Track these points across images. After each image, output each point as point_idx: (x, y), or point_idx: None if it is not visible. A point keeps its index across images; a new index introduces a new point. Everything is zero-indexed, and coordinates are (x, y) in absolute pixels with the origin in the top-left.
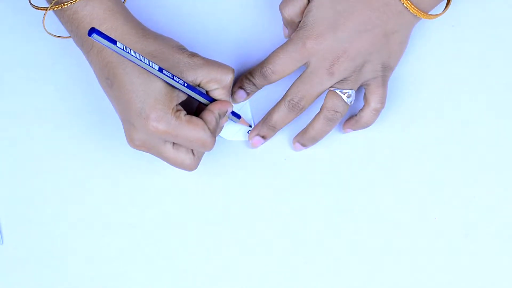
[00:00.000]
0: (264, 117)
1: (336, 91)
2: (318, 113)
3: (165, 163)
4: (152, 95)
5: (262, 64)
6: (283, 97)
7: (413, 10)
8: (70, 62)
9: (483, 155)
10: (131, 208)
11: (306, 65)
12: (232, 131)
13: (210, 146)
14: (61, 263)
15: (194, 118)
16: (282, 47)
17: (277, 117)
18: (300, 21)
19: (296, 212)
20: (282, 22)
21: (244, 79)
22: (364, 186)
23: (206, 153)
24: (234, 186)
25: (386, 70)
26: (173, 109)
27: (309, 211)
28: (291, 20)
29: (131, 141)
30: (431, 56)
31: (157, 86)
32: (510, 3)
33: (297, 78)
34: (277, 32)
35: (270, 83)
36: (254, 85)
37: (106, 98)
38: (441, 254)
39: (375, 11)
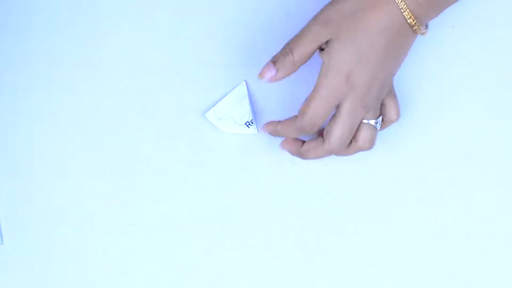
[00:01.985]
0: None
1: (369, 122)
2: (349, 145)
3: (164, 163)
4: None
5: (299, 118)
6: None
7: (418, 31)
8: (70, 62)
9: (483, 155)
10: (131, 208)
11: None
12: (230, 123)
13: None
14: (61, 263)
15: None
16: (314, 95)
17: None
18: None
19: (296, 212)
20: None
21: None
22: (364, 186)
23: (206, 152)
24: (234, 186)
25: (392, 80)
26: None
27: (309, 211)
28: (300, 61)
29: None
30: (431, 56)
31: None
32: (510, 3)
33: (334, 121)
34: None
35: (312, 134)
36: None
37: (107, 98)
38: (441, 254)
39: (390, 39)
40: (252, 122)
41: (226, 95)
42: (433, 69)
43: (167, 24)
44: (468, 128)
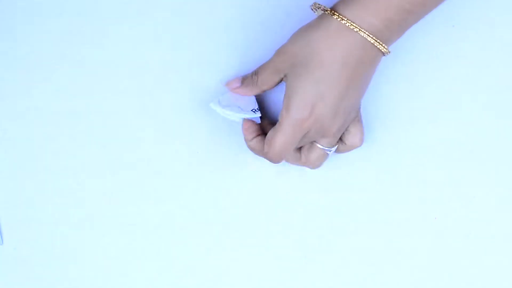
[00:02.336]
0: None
1: (325, 149)
2: (299, 156)
3: (164, 163)
4: None
5: (266, 148)
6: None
7: (385, 50)
8: (70, 62)
9: (483, 155)
10: (131, 208)
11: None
12: (236, 110)
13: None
14: (61, 263)
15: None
16: (278, 130)
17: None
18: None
19: (296, 212)
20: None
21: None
22: (364, 185)
23: (206, 152)
24: (234, 186)
25: (360, 105)
26: None
27: (309, 211)
28: (263, 87)
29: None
30: (431, 56)
31: None
32: (510, 3)
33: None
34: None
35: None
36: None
37: (106, 98)
38: (441, 254)
39: (351, 69)
40: (257, 109)
41: (225, 93)
42: (433, 69)
43: (167, 24)
44: (468, 128)
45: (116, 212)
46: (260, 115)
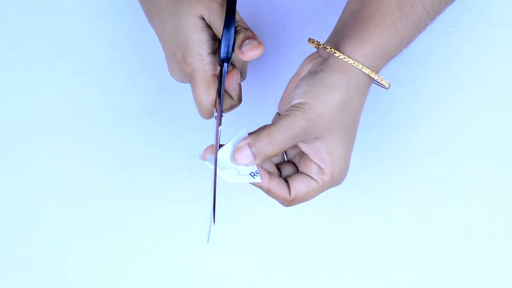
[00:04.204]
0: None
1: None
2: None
3: (164, 163)
4: (184, 40)
5: (290, 199)
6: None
7: (388, 85)
8: (70, 62)
9: (483, 155)
10: (131, 208)
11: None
12: (233, 173)
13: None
14: (60, 263)
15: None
16: (314, 191)
17: None
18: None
19: (295, 212)
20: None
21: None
22: (364, 186)
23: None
24: (234, 186)
25: None
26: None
27: (309, 211)
28: (279, 152)
29: (172, 75)
30: (431, 56)
31: (191, 32)
32: (510, 3)
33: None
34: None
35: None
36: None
37: (107, 98)
38: (441, 254)
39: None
40: (257, 173)
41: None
42: (433, 69)
43: None
44: (468, 128)
45: (116, 212)
46: (260, 180)
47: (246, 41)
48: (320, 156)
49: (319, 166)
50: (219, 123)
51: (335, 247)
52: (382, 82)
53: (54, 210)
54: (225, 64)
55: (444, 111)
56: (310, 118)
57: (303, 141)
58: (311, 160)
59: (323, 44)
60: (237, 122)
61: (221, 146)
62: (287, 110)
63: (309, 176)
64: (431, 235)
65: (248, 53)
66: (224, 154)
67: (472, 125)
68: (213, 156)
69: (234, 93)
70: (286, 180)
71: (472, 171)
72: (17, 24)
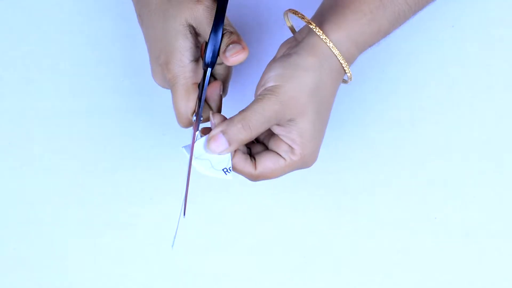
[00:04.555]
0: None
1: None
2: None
3: (164, 163)
4: (169, 46)
5: (255, 172)
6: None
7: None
8: (70, 62)
9: (483, 155)
10: (131, 208)
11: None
12: (207, 165)
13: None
14: (61, 263)
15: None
16: (281, 168)
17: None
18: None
19: (295, 212)
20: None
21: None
22: (364, 186)
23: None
24: (234, 186)
25: None
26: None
27: (309, 211)
28: (254, 137)
29: (154, 79)
30: (431, 56)
31: (176, 38)
32: (510, 3)
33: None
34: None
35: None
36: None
37: (107, 98)
38: (441, 254)
39: (334, 91)
40: (230, 170)
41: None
42: (433, 69)
43: None
44: (468, 128)
45: (116, 212)
46: (231, 178)
47: (230, 45)
48: (291, 137)
49: (289, 146)
50: (197, 128)
51: (335, 247)
52: (345, 70)
53: (54, 210)
54: (209, 69)
55: (444, 111)
56: (283, 101)
57: (277, 124)
58: (282, 140)
59: (306, 18)
60: (234, 76)
61: None
62: (260, 94)
63: (277, 153)
64: (431, 235)
65: (231, 58)
66: (200, 144)
67: (472, 125)
68: (189, 144)
69: (214, 104)
70: (254, 156)
71: (472, 171)
72: (17, 24)
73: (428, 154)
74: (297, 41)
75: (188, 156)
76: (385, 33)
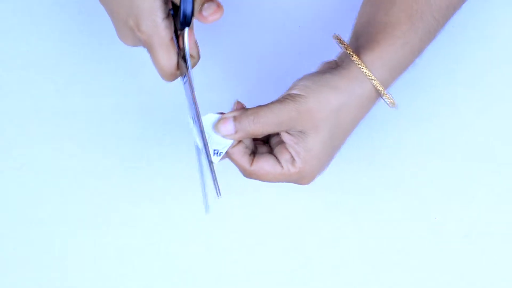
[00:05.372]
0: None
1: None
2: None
3: (165, 163)
4: (137, 8)
5: (250, 168)
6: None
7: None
8: (70, 62)
9: (483, 155)
10: (131, 208)
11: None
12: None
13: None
14: (61, 263)
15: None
16: (278, 175)
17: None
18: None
19: (295, 212)
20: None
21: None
22: (364, 186)
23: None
24: (234, 186)
25: None
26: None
27: (309, 211)
28: (252, 136)
29: (122, 40)
30: (431, 56)
31: (141, 0)
32: (510, 3)
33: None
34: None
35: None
36: None
37: (107, 98)
38: (441, 254)
39: (360, 119)
40: (219, 154)
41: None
42: (433, 69)
43: None
44: (468, 128)
45: (116, 212)
46: (216, 162)
47: (205, 4)
48: (297, 149)
49: (291, 157)
50: (192, 89)
51: (335, 247)
52: (387, 99)
53: (54, 210)
54: (186, 29)
55: (444, 111)
56: (300, 111)
57: (287, 132)
58: (287, 149)
59: (345, 44)
60: (234, 75)
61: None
62: (281, 97)
63: (277, 160)
64: (431, 235)
65: (210, 17)
66: (209, 120)
67: (472, 125)
68: (194, 113)
69: (194, 52)
70: (255, 155)
71: (472, 171)
72: (17, 24)
73: (428, 154)
74: (336, 64)
75: (191, 123)
76: (418, 52)
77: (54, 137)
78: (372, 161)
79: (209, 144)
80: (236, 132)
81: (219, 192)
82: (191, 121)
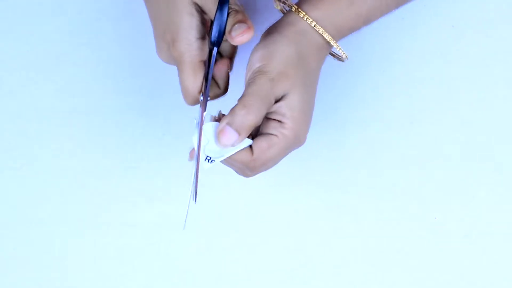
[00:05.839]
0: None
1: None
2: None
3: (164, 163)
4: (175, 24)
5: (253, 158)
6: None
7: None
8: (70, 62)
9: (483, 155)
10: (131, 208)
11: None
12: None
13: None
14: (61, 263)
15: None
16: (276, 148)
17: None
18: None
19: (296, 212)
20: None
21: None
22: (364, 185)
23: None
24: (234, 185)
25: None
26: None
27: (309, 211)
28: (259, 119)
29: (159, 56)
30: (431, 56)
31: (181, 16)
32: (510, 3)
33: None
34: None
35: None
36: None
37: (106, 98)
38: (441, 254)
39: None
40: (212, 161)
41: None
42: (433, 69)
43: None
44: (468, 128)
45: (116, 212)
46: (206, 168)
47: (236, 25)
48: (281, 111)
49: (278, 121)
50: (204, 109)
51: (335, 247)
52: (339, 51)
53: (54, 210)
54: (215, 48)
55: (444, 111)
56: (273, 78)
57: (277, 102)
58: (270, 119)
59: (290, 2)
60: (234, 75)
61: None
62: (250, 78)
63: (268, 133)
64: (431, 235)
65: (237, 38)
66: (211, 127)
67: (472, 125)
68: (197, 130)
69: (221, 82)
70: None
71: (472, 171)
72: (17, 24)
73: (428, 154)
74: (279, 26)
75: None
76: (364, 19)
77: (54, 137)
78: (372, 161)
79: (204, 150)
80: (239, 133)
81: (196, 199)
82: (195, 122)
